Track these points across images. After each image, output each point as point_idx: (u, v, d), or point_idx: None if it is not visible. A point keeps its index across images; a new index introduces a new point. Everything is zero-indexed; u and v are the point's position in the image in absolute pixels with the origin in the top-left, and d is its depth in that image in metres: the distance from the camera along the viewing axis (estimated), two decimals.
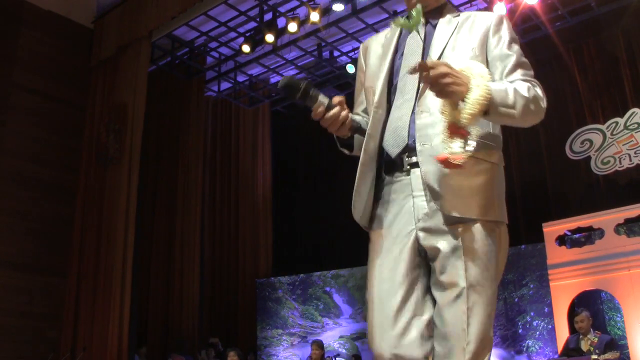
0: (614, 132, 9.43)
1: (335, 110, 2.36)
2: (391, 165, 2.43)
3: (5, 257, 9.30)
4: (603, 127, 9.58)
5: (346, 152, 2.65)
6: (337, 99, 2.39)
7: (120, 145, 10.07)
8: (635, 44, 9.77)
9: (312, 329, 11.99)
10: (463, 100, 2.16)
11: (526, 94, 2.27)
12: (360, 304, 11.71)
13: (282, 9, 10.37)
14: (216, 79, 12.47)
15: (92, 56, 10.98)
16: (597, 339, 7.47)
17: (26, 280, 9.45)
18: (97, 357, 9.29)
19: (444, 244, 2.28)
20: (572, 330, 8.17)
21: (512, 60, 2.41)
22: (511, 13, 9.51)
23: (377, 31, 10.83)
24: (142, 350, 10.21)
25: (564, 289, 8.65)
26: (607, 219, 8.58)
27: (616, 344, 7.75)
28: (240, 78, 12.69)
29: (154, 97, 11.04)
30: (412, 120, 2.37)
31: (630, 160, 9.26)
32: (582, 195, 9.81)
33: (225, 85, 12.82)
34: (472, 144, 2.17)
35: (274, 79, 12.90)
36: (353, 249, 12.09)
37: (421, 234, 2.33)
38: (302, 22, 10.26)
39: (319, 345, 9.29)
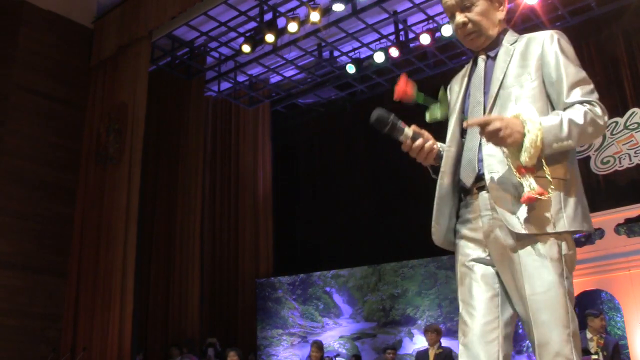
0: (614, 132, 9.43)
1: (419, 141, 2.56)
2: (466, 191, 2.62)
3: (6, 257, 9.31)
4: None
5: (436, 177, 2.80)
6: (421, 132, 2.59)
7: (121, 145, 10.07)
8: (635, 44, 9.78)
9: (312, 329, 11.99)
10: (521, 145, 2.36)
11: (581, 121, 2.40)
12: (360, 304, 11.71)
13: (282, 9, 10.37)
14: (216, 79, 12.47)
15: (92, 56, 10.98)
16: (603, 340, 7.46)
17: (26, 280, 9.45)
18: (98, 357, 9.30)
19: (509, 258, 2.46)
20: None
21: (569, 81, 2.52)
22: (511, 13, 9.51)
23: (376, 31, 10.86)
24: (140, 357, 10.18)
25: None
26: (607, 219, 8.59)
27: (619, 347, 7.74)
28: (240, 78, 12.69)
29: (154, 97, 11.04)
30: (480, 150, 2.55)
31: (630, 160, 9.25)
32: None
33: (225, 85, 12.82)
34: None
35: (274, 79, 12.90)
36: (353, 249, 12.16)
37: (491, 249, 2.53)
38: (302, 22, 10.25)
39: (319, 346, 9.22)
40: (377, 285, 11.57)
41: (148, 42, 10.39)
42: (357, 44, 11.36)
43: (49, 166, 10.07)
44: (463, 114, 2.68)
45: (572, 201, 2.49)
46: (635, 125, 9.27)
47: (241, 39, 11.12)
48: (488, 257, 2.54)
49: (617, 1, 9.55)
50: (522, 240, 2.42)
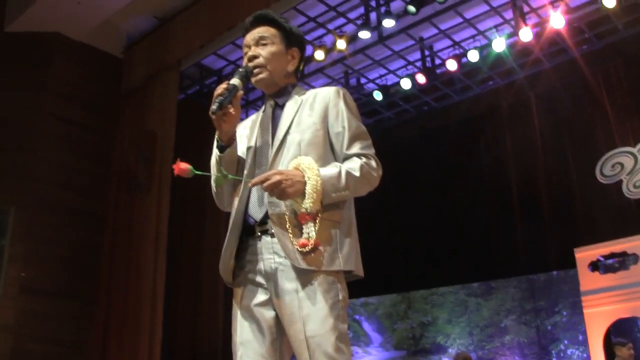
0: None
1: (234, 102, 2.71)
2: (249, 230, 2.69)
3: (34, 283, 9.35)
4: (634, 149, 9.44)
5: (218, 157, 2.88)
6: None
7: (150, 173, 10.13)
8: None
9: None
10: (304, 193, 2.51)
11: (357, 174, 2.61)
12: (390, 332, 11.61)
13: (308, 37, 10.41)
14: (244, 107, 12.53)
15: (122, 85, 11.09)
16: None
17: (54, 307, 9.47)
18: None
19: (290, 301, 2.52)
20: (609, 358, 8.00)
21: (350, 133, 2.72)
22: (537, 37, 9.48)
23: (403, 58, 10.86)
24: None
25: (598, 316, 8.48)
26: None
27: None
28: None
29: (183, 125, 11.09)
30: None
31: None
32: (614, 220, 9.64)
33: (252, 112, 12.84)
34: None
35: None
36: (383, 276, 12.05)
37: (271, 292, 2.59)
38: (329, 50, 10.28)
39: None
40: (407, 313, 11.47)
41: (177, 71, 10.46)
42: (383, 71, 11.37)
43: (78, 193, 10.14)
44: (255, 154, 2.81)
45: (347, 244, 2.66)
46: None
47: None
48: (269, 301, 2.61)
49: None
50: (302, 281, 2.51)
